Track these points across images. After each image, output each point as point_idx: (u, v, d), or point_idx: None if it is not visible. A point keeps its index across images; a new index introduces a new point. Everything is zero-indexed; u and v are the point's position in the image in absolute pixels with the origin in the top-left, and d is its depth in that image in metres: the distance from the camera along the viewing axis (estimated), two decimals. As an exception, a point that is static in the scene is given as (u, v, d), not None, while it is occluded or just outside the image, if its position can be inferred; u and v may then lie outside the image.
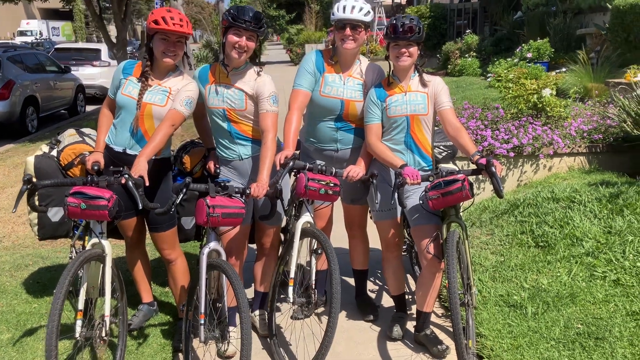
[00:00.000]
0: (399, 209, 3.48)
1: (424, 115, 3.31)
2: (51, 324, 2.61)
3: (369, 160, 3.49)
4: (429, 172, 3.24)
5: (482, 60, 14.41)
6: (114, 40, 11.78)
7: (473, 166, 3.19)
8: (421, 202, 3.28)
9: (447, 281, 3.04)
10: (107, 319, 2.97)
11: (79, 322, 2.86)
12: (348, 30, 3.35)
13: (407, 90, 3.33)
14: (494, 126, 5.99)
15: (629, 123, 5.67)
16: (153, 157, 3.23)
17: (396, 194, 3.10)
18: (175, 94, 3.26)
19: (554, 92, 6.25)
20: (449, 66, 14.84)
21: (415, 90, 3.33)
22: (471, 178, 3.20)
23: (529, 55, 11.40)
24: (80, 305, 2.88)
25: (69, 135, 3.71)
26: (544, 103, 6.03)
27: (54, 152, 3.66)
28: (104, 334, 2.96)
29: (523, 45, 11.84)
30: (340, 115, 3.50)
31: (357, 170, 3.35)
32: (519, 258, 4.20)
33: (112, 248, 3.07)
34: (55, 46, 18.41)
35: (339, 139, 3.55)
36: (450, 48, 15.72)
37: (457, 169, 3.30)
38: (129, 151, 3.27)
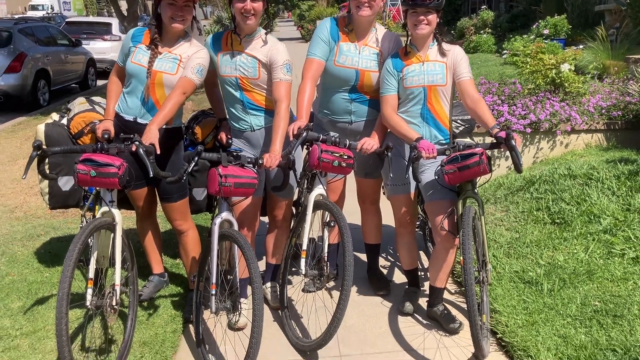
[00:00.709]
0: (413, 183, 3.41)
1: (442, 86, 3.21)
2: (61, 292, 2.59)
3: (383, 133, 3.41)
4: (446, 146, 3.16)
5: (498, 37, 14.18)
6: (125, 14, 11.68)
7: (489, 140, 3.11)
8: (437, 176, 3.21)
9: (461, 258, 2.99)
10: (118, 288, 2.94)
11: (89, 291, 2.84)
12: None
13: (424, 59, 3.23)
14: (510, 102, 5.87)
15: (650, 99, 5.54)
16: (164, 127, 3.18)
17: (411, 168, 3.03)
18: (186, 61, 3.19)
19: (573, 68, 6.10)
20: (463, 42, 14.62)
21: (434, 59, 3.23)
22: (489, 152, 3.12)
23: (546, 31, 11.17)
24: (91, 274, 2.85)
25: (79, 104, 3.67)
26: (562, 78, 5.90)
27: (64, 121, 3.62)
28: (114, 303, 2.94)
29: (540, 21, 11.61)
30: (354, 86, 3.41)
31: (371, 143, 3.28)
32: (535, 235, 4.13)
33: (122, 219, 3.03)
34: (66, 20, 18.30)
35: (353, 110, 3.47)
36: (465, 24, 15.48)
37: (475, 143, 3.21)
38: (140, 120, 3.22)
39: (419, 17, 3.13)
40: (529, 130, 5.65)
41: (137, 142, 2.86)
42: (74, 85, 13.54)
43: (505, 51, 11.72)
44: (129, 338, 3.12)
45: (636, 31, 9.09)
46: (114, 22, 15.72)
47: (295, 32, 31.74)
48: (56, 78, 12.12)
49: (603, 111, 5.91)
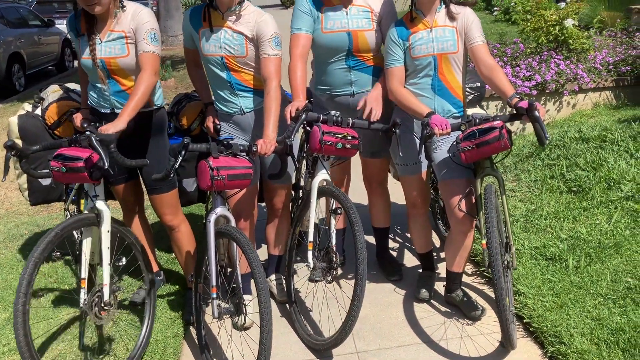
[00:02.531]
0: (424, 162, 3.12)
1: (453, 54, 2.89)
2: (18, 305, 2.35)
3: (383, 91, 3.07)
4: (460, 120, 2.87)
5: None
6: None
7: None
8: (451, 154, 2.93)
9: (483, 241, 2.73)
10: (106, 288, 2.67)
11: (82, 291, 2.61)
12: None
13: (432, 25, 2.91)
14: (513, 62, 5.55)
15: (662, 52, 5.24)
16: (147, 109, 2.89)
17: (423, 148, 2.75)
18: (132, 35, 2.83)
19: (576, 23, 5.77)
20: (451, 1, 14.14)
21: (443, 25, 2.91)
22: (509, 125, 2.85)
23: (538, -16, 10.77)
24: (83, 273, 2.62)
25: (52, 92, 3.33)
26: (566, 35, 5.57)
27: (38, 111, 3.30)
28: (103, 305, 2.67)
29: (530, -26, 11.19)
30: (350, 50, 3.08)
31: (375, 111, 2.97)
32: (552, 205, 3.88)
33: (109, 213, 2.75)
34: (37, -1, 17.57)
35: (353, 80, 3.15)
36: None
37: (492, 115, 2.92)
38: (117, 111, 2.91)
39: None
40: (534, 92, 5.35)
41: (88, 132, 2.55)
42: (50, 67, 13.02)
43: (495, 8, 11.33)
44: (140, 351, 2.88)
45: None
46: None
47: (276, -1, 30.83)
48: (31, 61, 11.60)
49: (610, 67, 5.61)
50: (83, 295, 2.61)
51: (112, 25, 2.83)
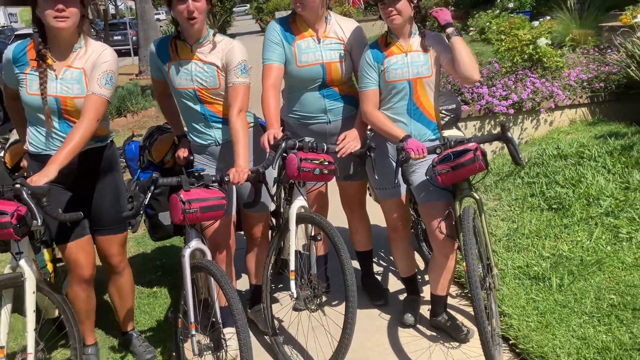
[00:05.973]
0: (403, 185, 3.10)
1: (427, 78, 2.90)
2: None
3: (364, 130, 3.11)
4: (436, 144, 2.87)
5: (461, 14, 13.94)
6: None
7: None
8: (428, 177, 2.92)
9: (464, 264, 2.71)
10: (31, 358, 2.38)
11: None
12: None
13: (407, 50, 2.92)
14: (489, 82, 5.60)
15: (634, 68, 5.29)
16: (99, 144, 2.75)
17: (400, 172, 2.74)
18: (90, 72, 2.62)
19: (550, 42, 5.85)
20: (427, 23, 14.33)
21: (417, 49, 2.92)
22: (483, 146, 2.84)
23: (511, 5, 10.96)
24: (2, 340, 2.36)
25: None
26: (540, 54, 5.63)
27: (2, 153, 3.22)
28: None
29: (503, -6, 11.38)
30: (323, 81, 3.10)
31: (352, 144, 2.99)
32: (533, 223, 3.87)
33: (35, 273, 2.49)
34: (16, 32, 17.50)
35: (328, 108, 3.16)
36: (427, 4, 15.22)
37: (466, 137, 2.92)
38: None
39: (387, 8, 2.81)
40: (512, 111, 5.39)
41: (19, 184, 2.31)
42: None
43: (471, 28, 11.50)
44: None
45: (601, -3, 8.89)
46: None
47: (254, 25, 31.00)
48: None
49: (585, 84, 5.68)
50: None
51: (70, 60, 2.65)
